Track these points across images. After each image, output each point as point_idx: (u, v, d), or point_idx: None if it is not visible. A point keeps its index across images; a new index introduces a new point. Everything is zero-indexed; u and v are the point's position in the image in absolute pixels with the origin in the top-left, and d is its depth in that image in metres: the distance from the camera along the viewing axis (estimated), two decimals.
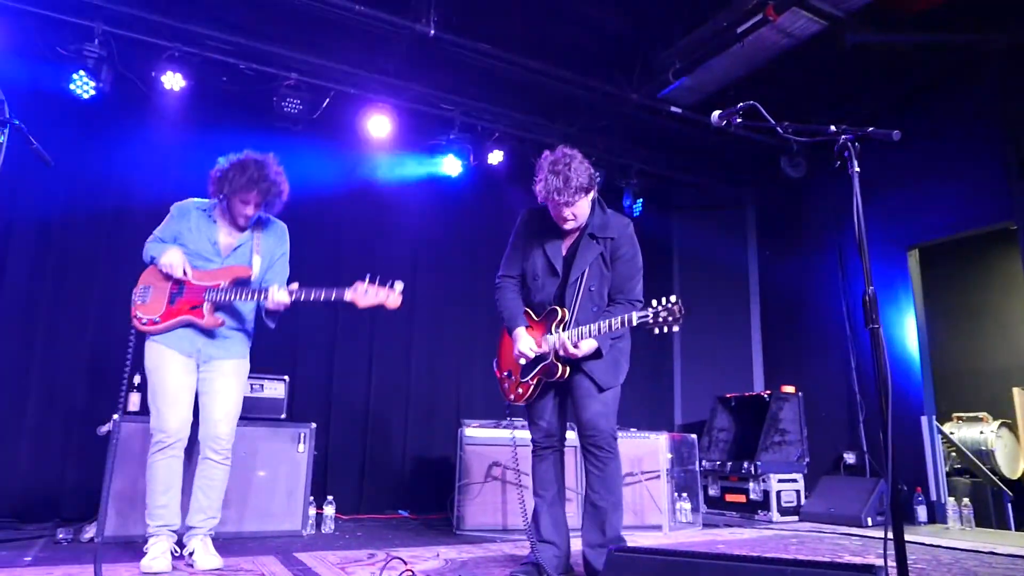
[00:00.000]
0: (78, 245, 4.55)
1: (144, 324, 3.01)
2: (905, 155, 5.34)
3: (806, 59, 4.90)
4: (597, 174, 2.81)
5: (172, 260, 3.01)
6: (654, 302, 2.57)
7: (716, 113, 2.52)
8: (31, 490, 4.14)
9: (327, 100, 5.09)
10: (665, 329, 2.52)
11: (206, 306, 3.02)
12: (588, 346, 2.79)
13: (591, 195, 2.85)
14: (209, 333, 3.07)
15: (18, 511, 4.05)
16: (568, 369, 2.88)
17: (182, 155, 4.76)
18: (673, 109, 5.47)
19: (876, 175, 5.39)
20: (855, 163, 2.15)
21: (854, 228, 2.15)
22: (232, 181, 3.03)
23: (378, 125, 5.25)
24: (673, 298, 2.53)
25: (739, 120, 2.47)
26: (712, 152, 6.39)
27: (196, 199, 3.20)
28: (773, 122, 2.41)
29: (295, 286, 3.02)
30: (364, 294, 2.95)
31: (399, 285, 2.98)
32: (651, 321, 2.55)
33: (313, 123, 5.10)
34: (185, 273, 3.01)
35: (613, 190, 6.34)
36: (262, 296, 3.02)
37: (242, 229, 3.17)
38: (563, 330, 2.84)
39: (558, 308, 2.89)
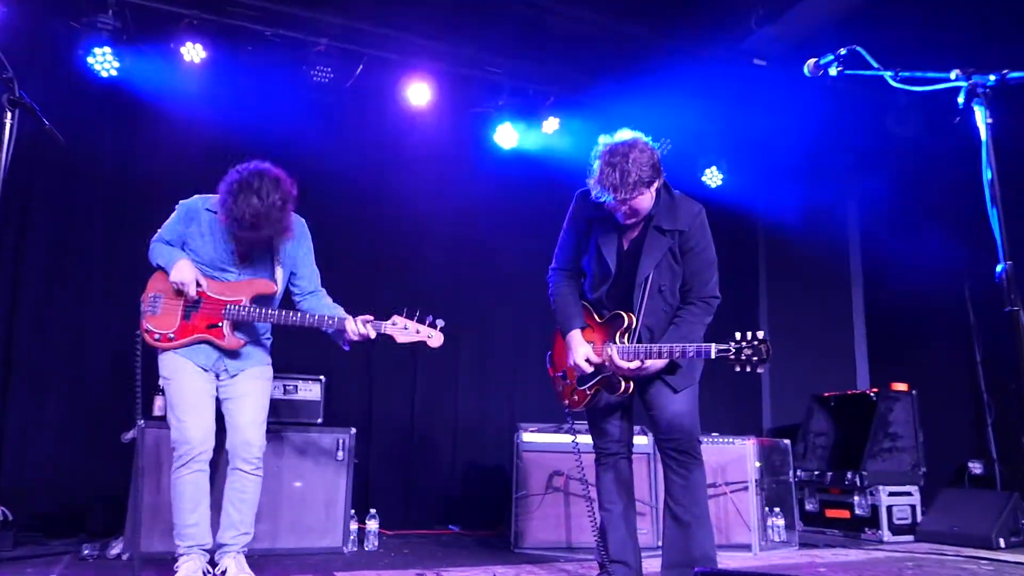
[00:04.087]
0: (98, 234, 4.70)
1: (157, 340, 3.08)
2: None
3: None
4: (659, 161, 2.78)
5: (183, 277, 3.04)
6: (737, 335, 2.56)
7: (810, 62, 2.43)
8: (55, 502, 4.31)
9: (360, 67, 5.12)
10: (748, 369, 2.54)
11: (226, 326, 3.08)
12: (656, 363, 2.76)
13: (655, 185, 2.79)
14: (231, 355, 3.15)
15: (42, 525, 4.23)
16: (632, 385, 2.85)
17: (205, 136, 4.85)
18: (756, 62, 5.32)
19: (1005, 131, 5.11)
20: (986, 114, 2.02)
21: (981, 193, 2.03)
22: (234, 214, 2.93)
23: (417, 92, 5.27)
24: (760, 335, 2.53)
25: (838, 69, 2.37)
26: (803, 110, 6.18)
27: (204, 196, 3.20)
28: (879, 67, 2.29)
29: (368, 319, 3.07)
30: (403, 330, 3.04)
31: (440, 323, 3.05)
32: (732, 357, 2.55)
33: (346, 93, 5.15)
34: (199, 285, 3.07)
35: (686, 158, 6.21)
36: (300, 319, 3.06)
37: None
38: (628, 339, 2.81)
39: (623, 313, 2.85)
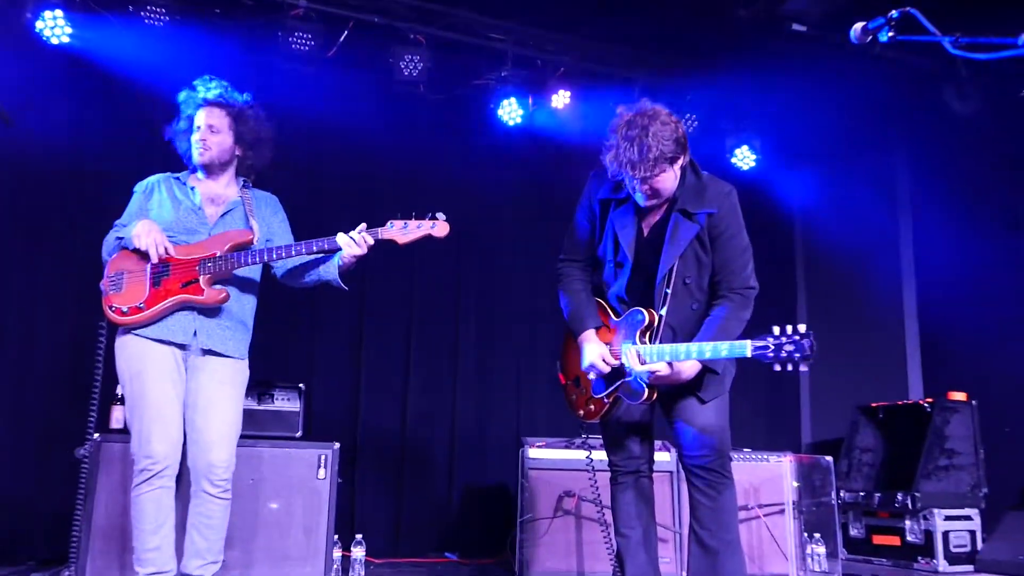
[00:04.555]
0: (50, 218, 4.70)
1: (126, 314, 3.03)
2: None
3: None
4: (684, 136, 2.75)
5: (148, 231, 3.02)
6: (776, 329, 2.50)
7: (857, 26, 2.41)
8: (2, 526, 4.32)
9: (345, 33, 5.11)
10: (789, 368, 2.47)
11: (203, 279, 3.04)
12: (690, 369, 2.73)
13: (679, 163, 2.76)
14: (207, 314, 3.09)
15: None
16: (656, 393, 2.82)
17: (169, 110, 4.84)
18: (795, 27, 5.30)
19: None
20: None
21: None
22: (193, 101, 3.16)
23: (410, 62, 5.24)
24: (803, 328, 2.47)
25: (889, 35, 2.35)
26: (847, 82, 6.16)
27: (164, 173, 3.29)
28: (937, 33, 2.26)
29: (363, 226, 3.07)
30: (403, 228, 3.04)
31: (442, 216, 3.05)
32: (771, 355, 2.49)
33: (328, 62, 5.15)
34: (166, 249, 3.04)
35: (714, 136, 6.20)
36: (308, 250, 3.08)
37: (209, 169, 3.20)
38: (649, 339, 2.77)
39: (644, 310, 2.81)
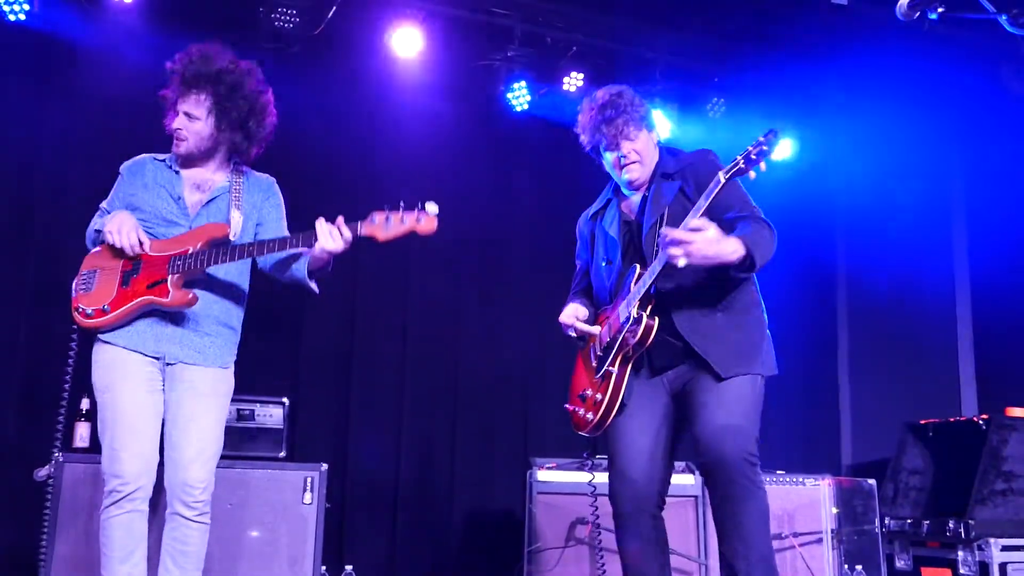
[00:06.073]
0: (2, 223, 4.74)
1: (90, 316, 3.04)
2: None
3: None
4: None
5: (121, 225, 3.03)
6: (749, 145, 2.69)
7: (903, 2, 2.43)
8: None
9: (332, 9, 5.14)
10: (760, 163, 2.65)
11: (171, 279, 3.01)
12: (727, 245, 2.69)
13: (653, 134, 3.07)
14: (178, 320, 3.09)
15: None
16: (655, 324, 2.79)
17: (139, 99, 4.87)
18: (835, 1, 5.31)
19: None
20: None
21: None
22: (175, 81, 3.12)
23: (405, 41, 5.28)
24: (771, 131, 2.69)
25: (939, 11, 2.37)
26: (893, 64, 6.17)
27: (152, 154, 3.29)
28: (992, 9, 2.28)
29: (340, 219, 3.02)
30: (385, 223, 2.97)
31: (432, 207, 2.96)
32: (742, 165, 2.66)
33: (314, 42, 5.17)
34: (141, 244, 3.04)
35: (743, 123, 6.20)
36: (282, 247, 3.05)
37: (191, 159, 3.20)
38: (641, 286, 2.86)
39: (636, 266, 2.92)
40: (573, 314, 3.09)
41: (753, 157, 2.65)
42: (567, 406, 3.15)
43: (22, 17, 4.67)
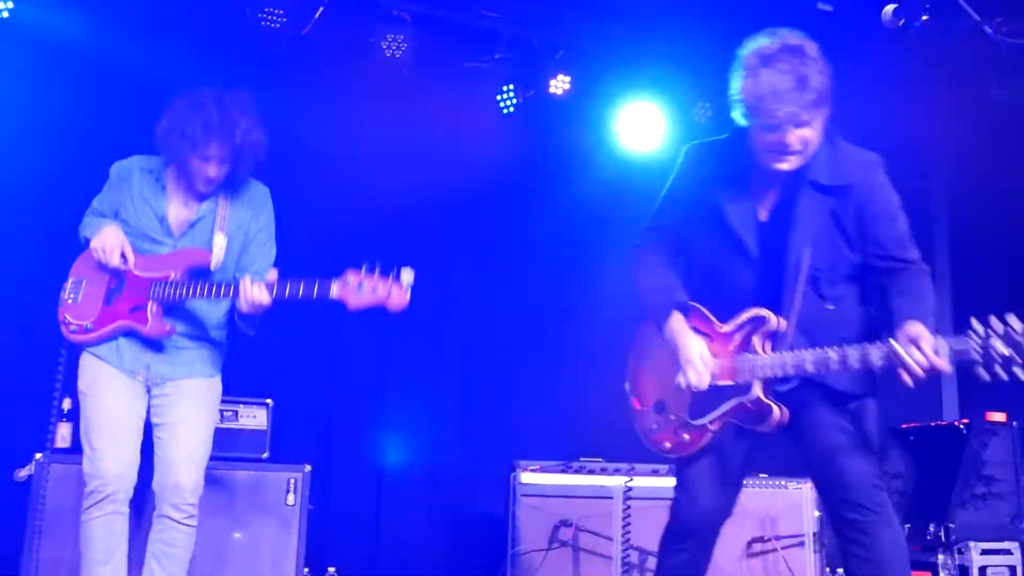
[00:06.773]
0: None
1: (73, 332, 3.09)
2: None
3: None
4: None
5: (105, 241, 3.04)
6: (977, 326, 2.17)
7: (889, 8, 2.45)
8: None
9: (320, 9, 5.12)
10: (1003, 375, 2.12)
11: (151, 307, 3.04)
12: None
13: (825, 115, 2.43)
14: (157, 345, 3.12)
15: None
16: (788, 413, 2.44)
17: (127, 95, 4.84)
18: (821, 6, 5.33)
19: None
20: None
21: None
22: (184, 130, 3.01)
23: (392, 42, 5.25)
24: (1016, 322, 2.10)
25: (924, 18, 2.39)
26: (878, 69, 6.20)
27: (144, 156, 3.25)
28: (977, 17, 2.31)
29: (273, 275, 3.00)
30: (357, 289, 2.89)
31: (408, 276, 2.90)
32: (977, 356, 2.16)
33: (302, 42, 5.15)
34: (125, 260, 3.05)
35: (728, 121, 6.21)
36: (231, 292, 3.00)
37: (203, 197, 3.20)
38: (772, 348, 2.44)
39: (764, 312, 2.45)
40: (700, 357, 2.46)
41: (994, 355, 2.14)
42: (632, 399, 2.79)
43: (5, 15, 4.62)
